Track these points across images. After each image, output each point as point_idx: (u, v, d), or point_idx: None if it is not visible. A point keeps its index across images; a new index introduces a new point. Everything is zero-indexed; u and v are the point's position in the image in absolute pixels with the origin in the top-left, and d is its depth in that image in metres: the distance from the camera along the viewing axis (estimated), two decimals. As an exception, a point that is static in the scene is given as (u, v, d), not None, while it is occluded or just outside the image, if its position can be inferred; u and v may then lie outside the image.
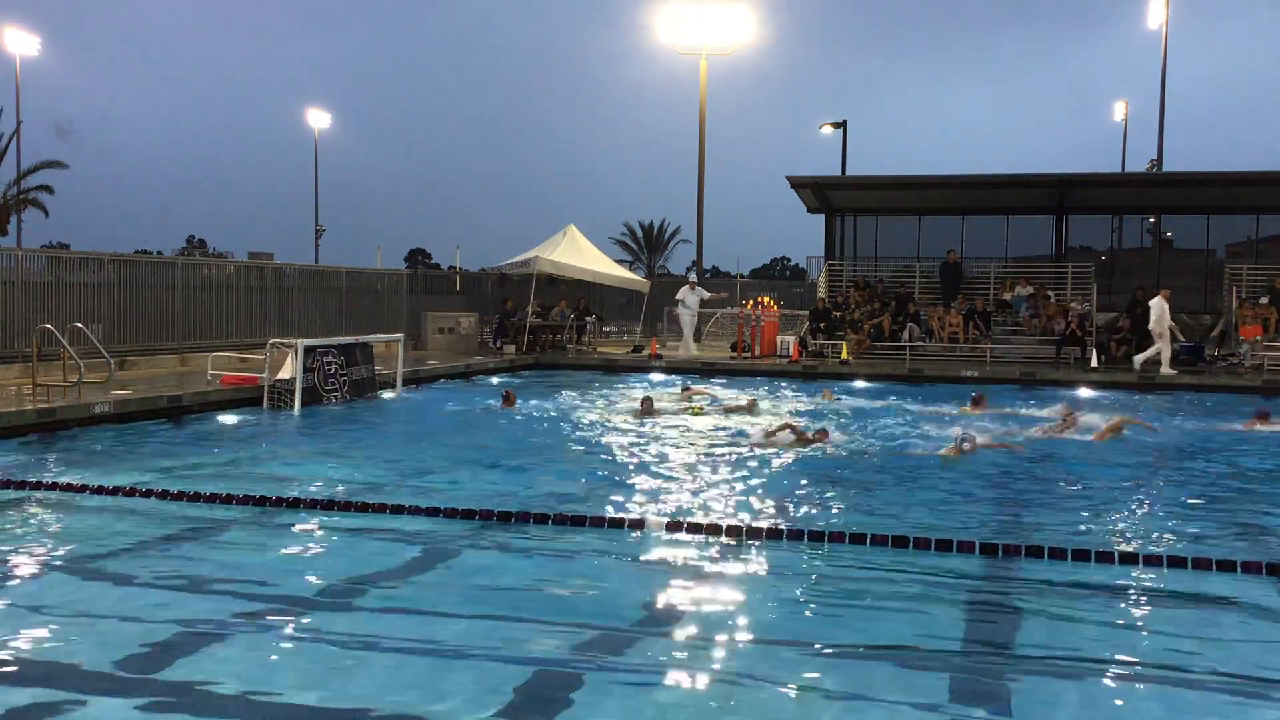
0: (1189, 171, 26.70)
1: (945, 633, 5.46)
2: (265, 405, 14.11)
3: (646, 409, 14.19)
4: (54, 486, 8.61)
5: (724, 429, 13.00)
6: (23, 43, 41.51)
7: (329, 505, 8.11)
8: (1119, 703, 4.58)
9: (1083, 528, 7.89)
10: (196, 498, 8.24)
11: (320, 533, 7.48)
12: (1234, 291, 22.73)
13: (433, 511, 7.78)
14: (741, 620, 5.72)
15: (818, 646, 5.20)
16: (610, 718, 4.37)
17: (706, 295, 26.16)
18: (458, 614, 5.67)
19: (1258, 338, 21.33)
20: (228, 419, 13.38)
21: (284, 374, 14.23)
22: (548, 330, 25.77)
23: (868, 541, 7.06)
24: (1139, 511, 8.64)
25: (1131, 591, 6.25)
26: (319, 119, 57.61)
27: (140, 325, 18.24)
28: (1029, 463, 10.82)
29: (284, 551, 7.03)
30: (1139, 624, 5.76)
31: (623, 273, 31.54)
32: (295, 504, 8.10)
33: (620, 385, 19.15)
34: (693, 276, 27.13)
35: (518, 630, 5.34)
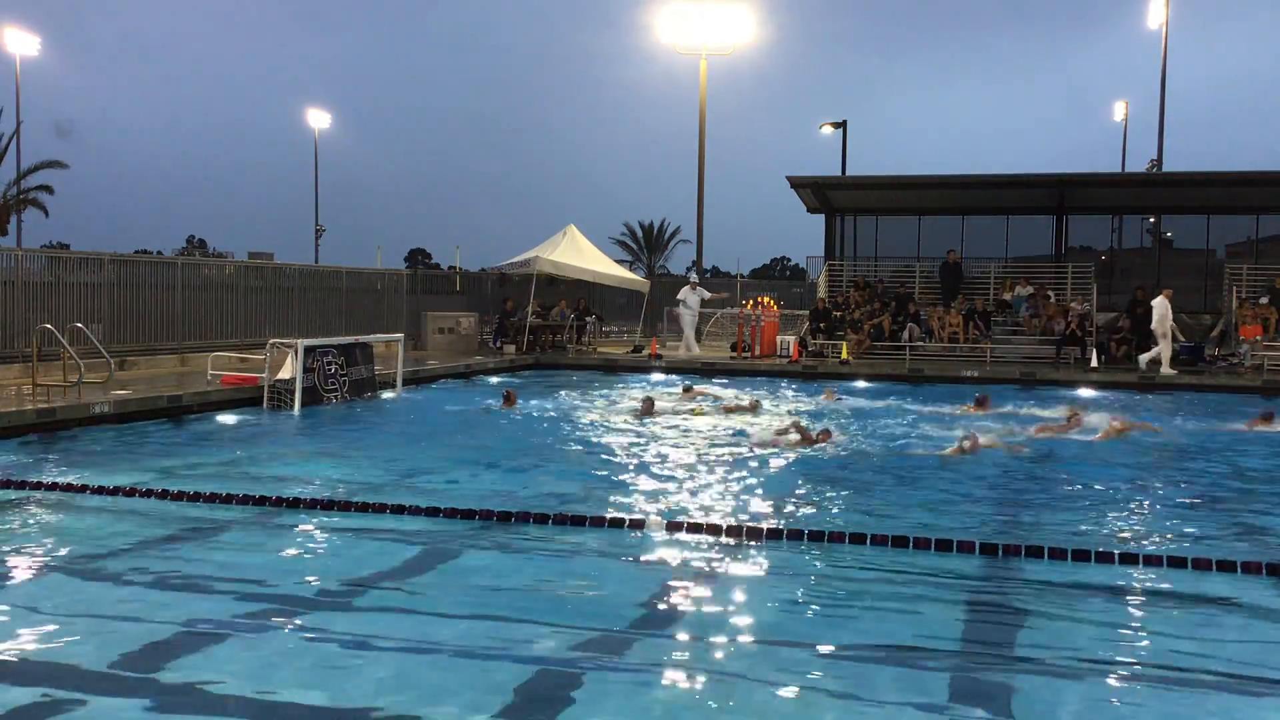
0: (1189, 171, 26.69)
1: (945, 633, 5.46)
2: (265, 405, 14.11)
3: (647, 409, 14.19)
4: (54, 486, 8.61)
5: (725, 429, 12.99)
6: (23, 43, 41.51)
7: (329, 505, 8.11)
8: (1119, 703, 4.58)
9: (1083, 528, 7.88)
10: (196, 498, 8.24)
11: (320, 533, 7.48)
12: (1234, 291, 22.73)
13: (433, 511, 7.78)
14: (741, 620, 5.72)
15: (818, 646, 5.20)
16: (610, 718, 4.37)
17: (707, 295, 26.16)
18: (458, 614, 5.67)
19: (1258, 338, 21.32)
20: (228, 419, 13.38)
21: (284, 374, 14.23)
22: (548, 330, 25.76)
23: (868, 541, 7.06)
24: (1140, 512, 8.64)
25: (1131, 592, 6.25)
26: (319, 119, 57.63)
27: (140, 325, 18.24)
28: (1030, 463, 10.82)
29: (284, 551, 7.03)
30: (1139, 624, 5.75)
31: (623, 273, 31.53)
32: (295, 504, 8.09)
33: (620, 385, 19.15)
34: (694, 277, 27.13)
35: (518, 630, 5.34)
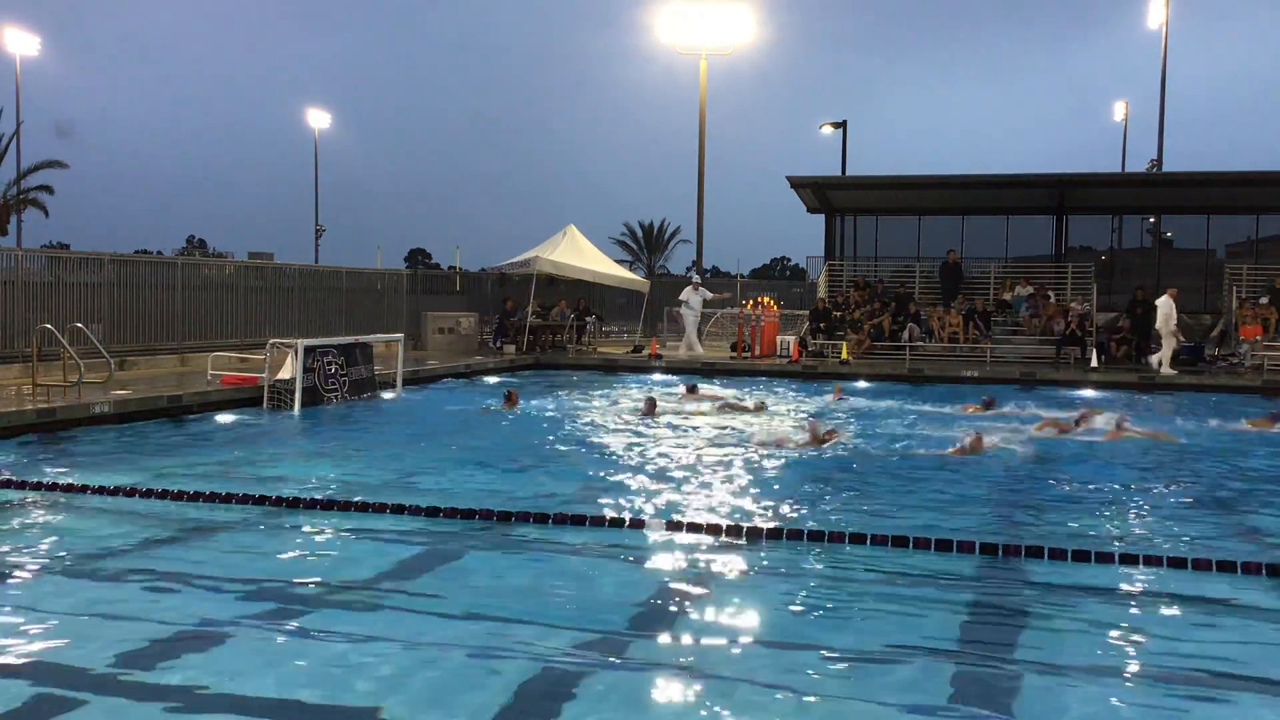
0: (1189, 171, 26.70)
1: (946, 634, 5.46)
2: (265, 405, 14.11)
3: (649, 409, 14.19)
4: (54, 486, 8.60)
5: (727, 430, 12.99)
6: (23, 43, 41.52)
7: (329, 505, 8.11)
8: (1119, 704, 4.57)
9: (1084, 528, 7.88)
10: (196, 497, 8.24)
11: (320, 533, 7.47)
12: (1234, 291, 22.74)
13: (433, 512, 7.78)
14: (742, 621, 5.72)
15: (817, 647, 5.20)
16: (610, 718, 4.37)
17: (709, 295, 26.15)
18: (458, 614, 5.66)
19: (1258, 338, 21.33)
20: (228, 419, 13.38)
21: (284, 374, 14.23)
22: (548, 330, 25.77)
23: (868, 541, 7.06)
24: (1140, 512, 8.63)
25: (1132, 592, 6.25)
26: (319, 119, 57.64)
27: (140, 325, 18.24)
28: (1032, 463, 10.82)
29: (284, 552, 7.02)
30: (1139, 625, 5.75)
31: (623, 273, 31.53)
32: (295, 504, 8.09)
33: (620, 385, 19.15)
34: (695, 277, 27.14)
35: (518, 630, 5.34)
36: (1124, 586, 6.31)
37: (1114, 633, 5.51)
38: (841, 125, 35.12)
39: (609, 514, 7.83)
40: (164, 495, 8.31)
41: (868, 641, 5.32)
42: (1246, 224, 26.72)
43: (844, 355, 22.12)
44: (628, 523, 7.58)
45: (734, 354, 24.19)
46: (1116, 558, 6.75)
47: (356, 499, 8.30)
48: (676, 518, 7.79)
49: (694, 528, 7.39)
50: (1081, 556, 6.75)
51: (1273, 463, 11.19)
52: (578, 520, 7.65)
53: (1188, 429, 13.34)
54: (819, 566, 6.79)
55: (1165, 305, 20.38)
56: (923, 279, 26.31)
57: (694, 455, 11.04)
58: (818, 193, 26.99)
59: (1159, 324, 20.48)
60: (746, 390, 17.55)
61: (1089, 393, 18.05)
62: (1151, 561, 6.70)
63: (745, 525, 7.46)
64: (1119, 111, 47.40)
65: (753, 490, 9.23)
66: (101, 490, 8.47)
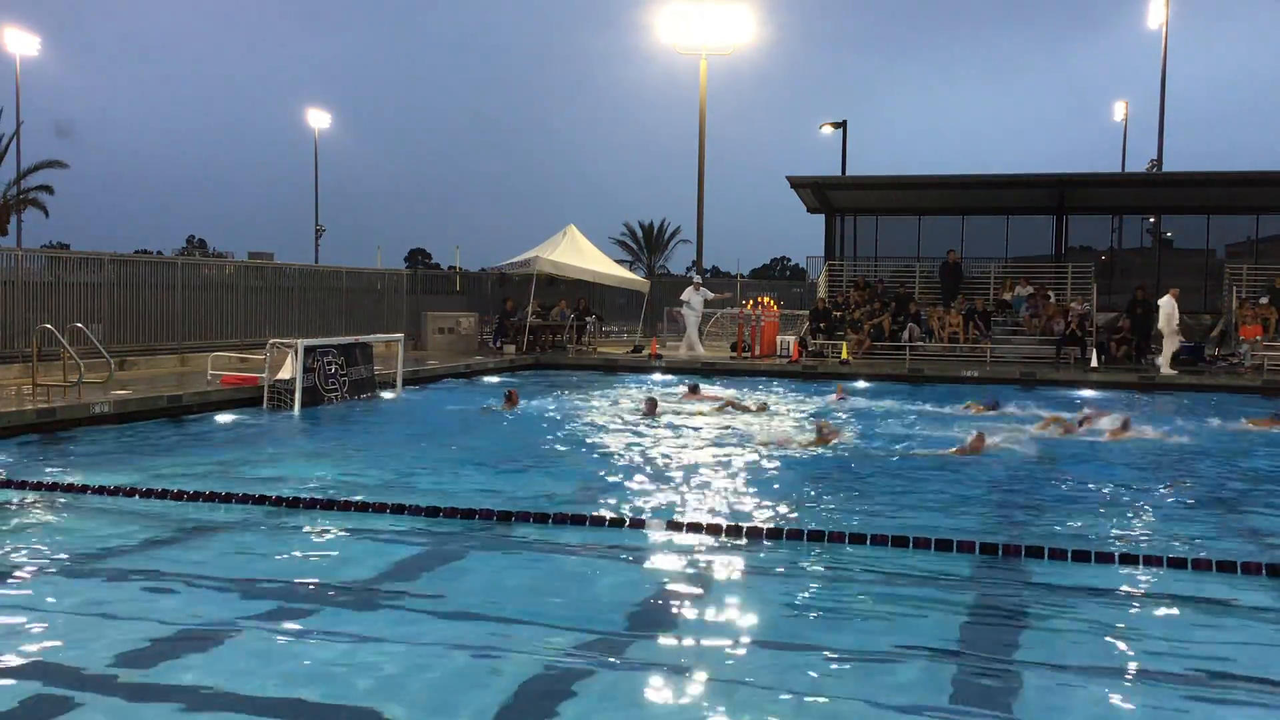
0: (1189, 171, 26.70)
1: (946, 634, 5.46)
2: (265, 405, 14.10)
3: (650, 409, 14.19)
4: (54, 486, 8.60)
5: (728, 430, 12.99)
6: (23, 43, 41.51)
7: (329, 505, 8.11)
8: (1119, 704, 4.58)
9: (1085, 528, 7.88)
10: (196, 497, 8.24)
11: (320, 533, 7.47)
12: (1234, 291, 22.74)
13: (433, 512, 7.78)
14: (741, 621, 5.72)
15: (817, 647, 5.20)
16: (610, 718, 4.37)
17: (711, 295, 26.14)
18: (458, 614, 5.67)
19: (1258, 338, 21.34)
20: (228, 419, 13.38)
21: (284, 374, 14.23)
22: (548, 330, 25.77)
23: (868, 541, 7.06)
24: (1141, 512, 8.63)
25: (1131, 592, 6.25)
26: (319, 119, 57.61)
27: (140, 325, 18.24)
28: (1032, 463, 10.82)
29: (284, 552, 7.02)
30: (1139, 625, 5.75)
31: (623, 273, 31.53)
32: (295, 504, 8.09)
33: (621, 385, 19.15)
34: (696, 277, 27.13)
35: (518, 630, 5.34)
36: (1124, 587, 6.31)
37: (1114, 633, 5.51)
38: (841, 125, 35.11)
39: (609, 514, 7.83)
40: (164, 495, 8.31)
41: (868, 642, 5.32)
42: (1246, 224, 26.72)
43: (844, 355, 22.12)
44: (628, 523, 7.58)
45: (734, 354, 24.19)
46: (1116, 558, 6.75)
47: (356, 499, 8.30)
48: (676, 518, 7.79)
49: (694, 528, 7.39)
50: (1081, 556, 6.75)
51: (1274, 463, 11.19)
52: (578, 520, 7.65)
53: (1188, 429, 13.34)
54: (819, 566, 6.79)
55: (1167, 305, 20.39)
56: (923, 279, 26.32)
57: (694, 455, 11.04)
58: (818, 193, 27.00)
59: (1161, 324, 20.48)
60: (746, 390, 17.54)
61: (1089, 393, 18.05)
62: (1151, 562, 6.70)
63: (745, 525, 7.45)
64: (1119, 111, 47.40)
65: (753, 490, 9.23)
66: (101, 490, 8.47)
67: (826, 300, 25.10)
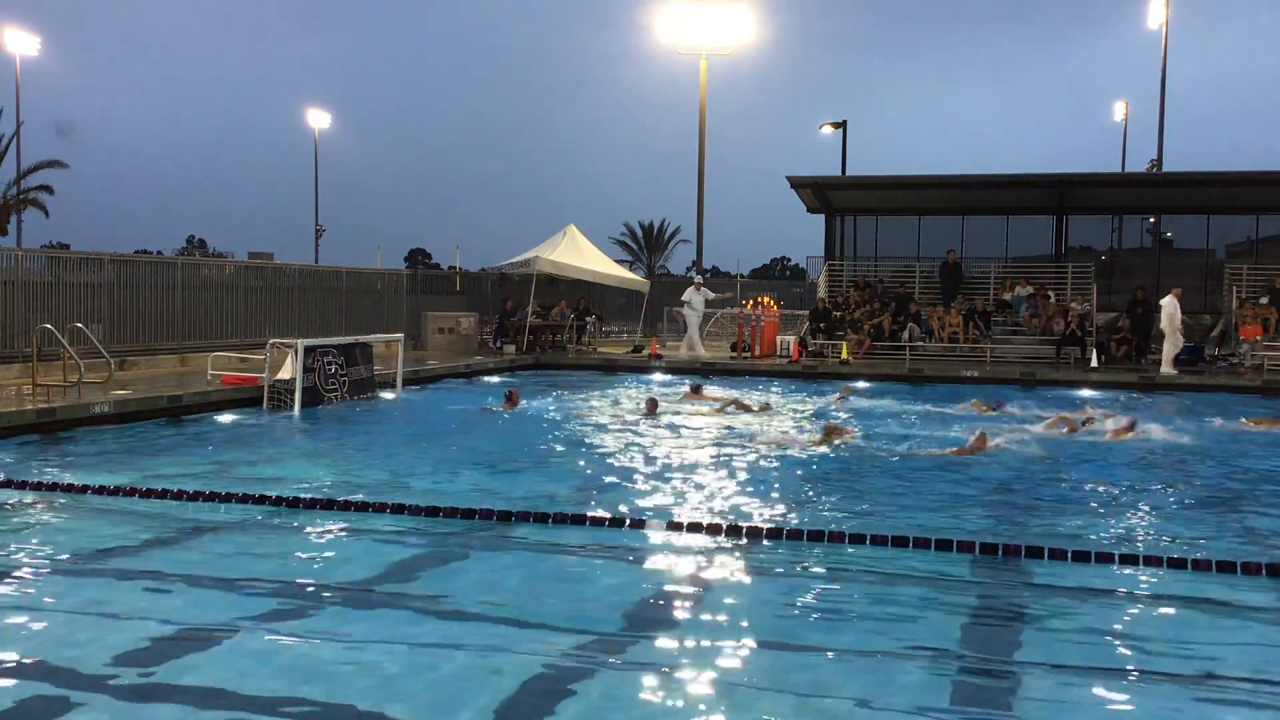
0: (1189, 171, 26.71)
1: (945, 634, 5.46)
2: (265, 405, 14.10)
3: (651, 409, 14.20)
4: (54, 486, 8.60)
5: (729, 430, 12.99)
6: (23, 43, 41.51)
7: (329, 505, 8.11)
8: (1119, 704, 4.58)
9: (1084, 528, 7.88)
10: (197, 497, 8.24)
11: (320, 533, 7.47)
12: (1234, 291, 22.74)
13: (433, 512, 7.78)
14: (741, 621, 5.71)
15: (817, 648, 5.20)
16: (610, 718, 4.37)
17: (712, 295, 26.12)
18: (458, 614, 5.67)
19: (1258, 338, 21.34)
20: (228, 419, 13.38)
21: (284, 374, 14.23)
22: (548, 330, 25.77)
23: (868, 541, 7.06)
24: (1141, 512, 8.63)
25: (1131, 593, 6.25)
26: (319, 119, 57.60)
27: (140, 325, 18.24)
28: (1033, 463, 10.81)
29: (284, 551, 7.02)
30: (1139, 625, 5.74)
31: (623, 273, 31.53)
32: (295, 504, 8.09)
33: (621, 385, 19.16)
34: (698, 277, 27.13)
35: (518, 630, 5.34)
36: (1124, 587, 6.31)
37: (1114, 633, 5.51)
38: (841, 125, 35.12)
39: (609, 514, 7.83)
40: (164, 495, 8.31)
41: (867, 642, 5.32)
42: (1246, 224, 26.73)
43: (844, 355, 22.12)
44: (628, 523, 7.58)
45: (734, 354, 24.20)
46: (1116, 558, 6.75)
47: (356, 499, 8.30)
48: (676, 518, 7.79)
49: (694, 528, 7.39)
50: (1081, 557, 6.75)
51: (1274, 463, 11.18)
52: (578, 520, 7.65)
53: (1189, 429, 13.34)
54: (819, 566, 6.79)
55: (1170, 305, 20.39)
56: (923, 279, 26.32)
57: (694, 455, 11.04)
58: (818, 193, 27.00)
59: (1163, 323, 20.47)
60: (746, 391, 17.53)
61: (1088, 393, 18.05)
62: (1151, 562, 6.70)
63: (745, 525, 7.46)
64: (1119, 111, 47.39)
65: (753, 490, 9.23)
66: (101, 490, 8.47)
67: (826, 300, 25.10)
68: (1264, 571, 6.46)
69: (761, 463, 10.61)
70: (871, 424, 13.76)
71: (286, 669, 4.80)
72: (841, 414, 14.92)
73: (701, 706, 4.48)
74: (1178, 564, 6.65)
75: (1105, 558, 6.75)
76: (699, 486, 9.35)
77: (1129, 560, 6.72)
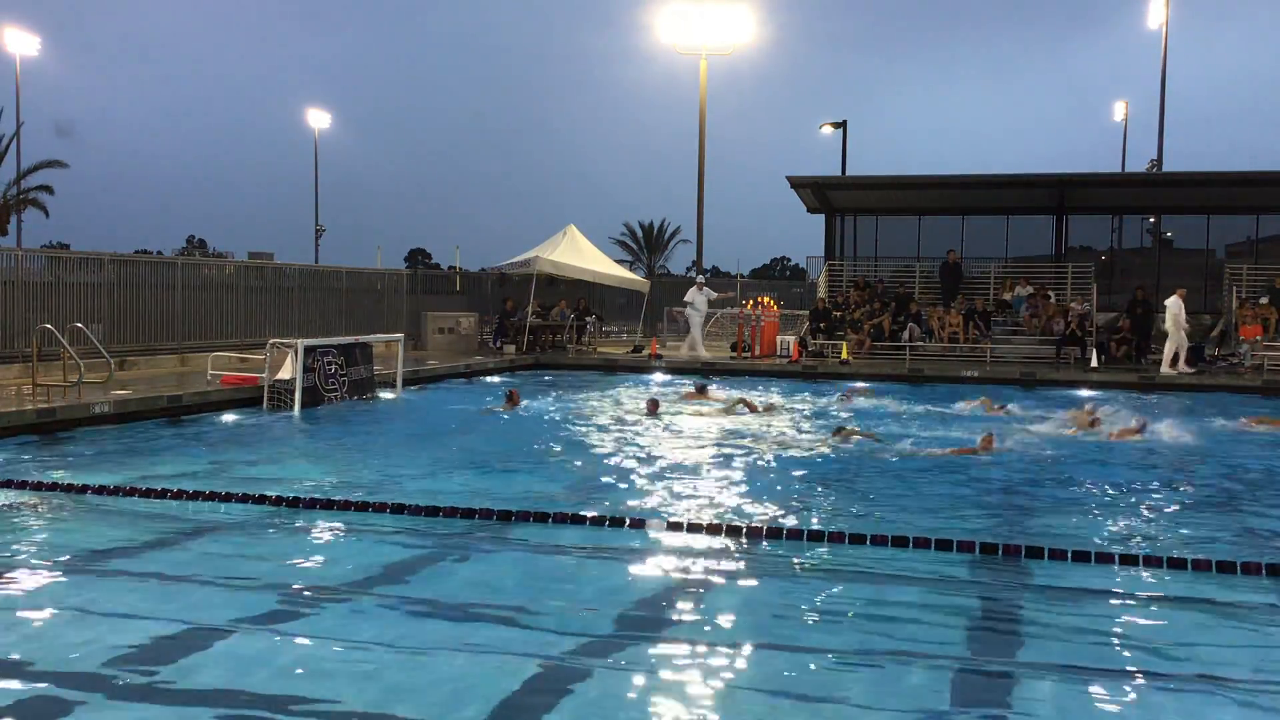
0: (1189, 171, 26.70)
1: (945, 634, 5.46)
2: (265, 405, 14.10)
3: (652, 409, 14.19)
4: (54, 487, 8.60)
5: (730, 430, 12.99)
6: (23, 43, 41.50)
7: (328, 505, 8.11)
8: (1119, 704, 4.58)
9: (1084, 528, 7.88)
10: (196, 497, 8.24)
11: (320, 533, 7.47)
12: (1234, 291, 22.74)
13: (433, 511, 7.78)
14: (741, 621, 5.71)
15: (817, 648, 5.20)
16: (609, 718, 4.37)
17: (714, 295, 26.11)
18: (458, 614, 5.66)
19: (1258, 338, 21.34)
20: (228, 419, 13.38)
21: (284, 374, 14.23)
22: (548, 330, 25.77)
23: (868, 541, 7.06)
24: (1142, 512, 8.63)
25: (1131, 593, 6.25)
26: (319, 119, 57.58)
27: (140, 325, 18.24)
28: (1034, 463, 10.81)
29: (283, 552, 7.02)
30: (1139, 626, 5.74)
31: (623, 273, 31.53)
32: (295, 504, 8.09)
33: (621, 385, 19.16)
34: (700, 277, 27.12)
35: (518, 630, 5.34)
36: (1124, 587, 6.31)
37: (1114, 634, 5.51)
38: (841, 125, 35.12)
39: (609, 514, 7.83)
40: (164, 495, 8.31)
41: (867, 642, 5.33)
42: (1246, 224, 26.73)
43: (844, 355, 22.12)
44: (628, 523, 7.58)
45: (734, 354, 24.19)
46: (1116, 558, 6.75)
47: (356, 499, 8.30)
48: (676, 518, 7.79)
49: (694, 528, 7.39)
50: (1081, 557, 6.74)
51: (1276, 464, 11.18)
52: (578, 520, 7.66)
53: (1190, 429, 13.35)
54: (819, 566, 6.79)
55: (1174, 305, 20.38)
56: (923, 279, 26.32)
57: (695, 455, 11.04)
58: (818, 193, 27.00)
59: (1168, 324, 20.46)
60: (746, 390, 17.52)
61: (1088, 392, 18.04)
62: (1151, 562, 6.70)
63: (745, 525, 7.46)
64: (1119, 111, 47.39)
65: (753, 490, 9.23)
66: (101, 490, 8.47)
67: (826, 300, 25.10)
68: (1264, 571, 6.46)
69: (762, 463, 10.61)
70: (872, 424, 13.75)
71: (286, 669, 4.80)
72: (843, 414, 14.92)
73: (701, 707, 4.48)
74: (1178, 564, 6.65)
75: (1105, 558, 6.75)
76: (699, 486, 9.35)
77: (1129, 560, 6.72)
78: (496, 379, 20.17)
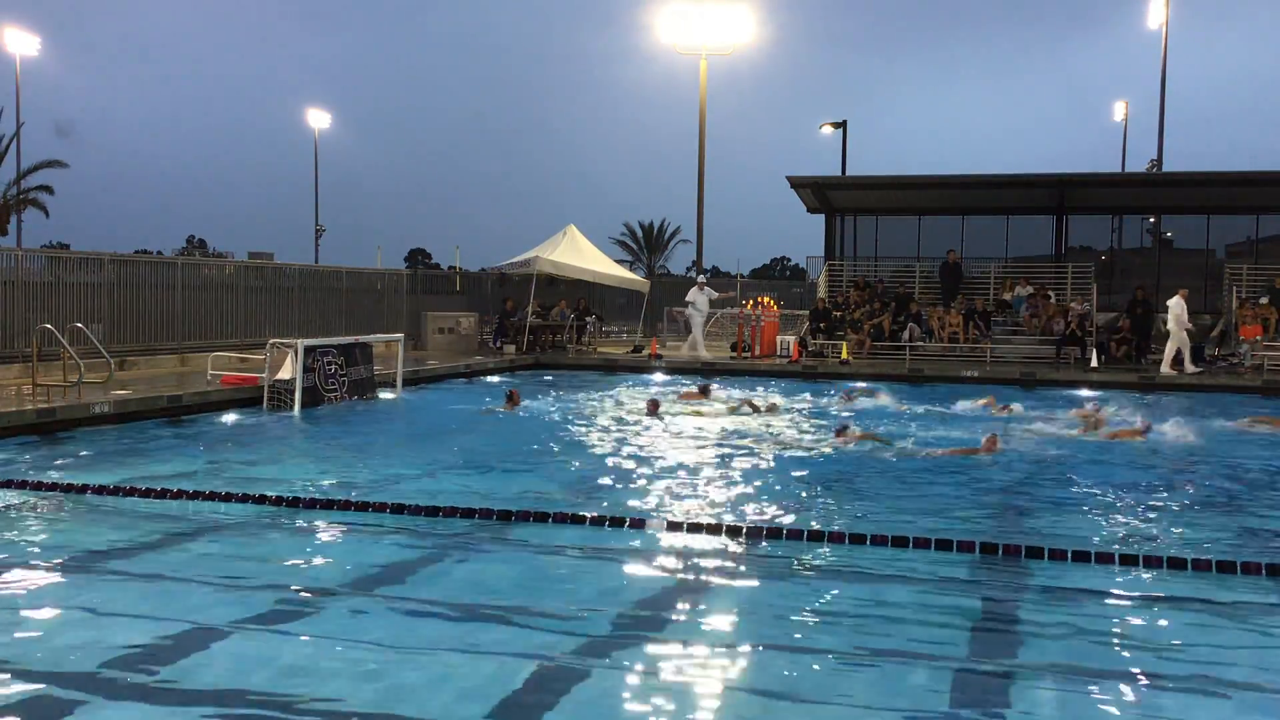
0: (1189, 171, 26.71)
1: (945, 634, 5.46)
2: (265, 405, 14.10)
3: (652, 410, 14.19)
4: (54, 486, 8.60)
5: (731, 430, 12.98)
6: (23, 43, 41.50)
7: (328, 505, 8.11)
8: (1119, 705, 4.57)
9: (1084, 528, 7.88)
10: (196, 497, 8.24)
11: (320, 533, 7.48)
12: (1234, 291, 22.74)
13: (433, 511, 7.78)
14: (741, 621, 5.72)
15: (817, 648, 5.20)
16: (608, 718, 4.37)
17: (715, 295, 26.10)
18: (458, 614, 5.66)
19: (1258, 338, 21.34)
20: (228, 419, 13.38)
21: (284, 374, 14.23)
22: (548, 330, 25.77)
23: (868, 541, 7.06)
24: (1142, 512, 8.63)
25: (1132, 593, 6.24)
26: (319, 119, 57.59)
27: (140, 325, 18.24)
28: (1038, 463, 10.81)
29: (283, 552, 7.02)
30: (1139, 626, 5.74)
31: (623, 273, 31.53)
32: (295, 504, 8.09)
33: (621, 385, 19.16)
34: (701, 277, 27.12)
35: (518, 630, 5.34)
36: (1124, 588, 6.31)
37: (1114, 634, 5.51)
38: (841, 125, 35.12)
39: (609, 514, 7.83)
40: (164, 495, 8.31)
41: (867, 642, 5.32)
42: (1246, 224, 26.73)
43: (844, 355, 22.12)
44: (628, 523, 7.58)
45: (734, 354, 24.19)
46: (1116, 558, 6.75)
47: (356, 499, 8.30)
48: (677, 518, 7.79)
49: (694, 528, 7.40)
50: (1082, 557, 6.74)
51: (1276, 464, 11.18)
52: (578, 520, 7.65)
53: (1191, 429, 13.35)
54: (819, 566, 6.79)
55: (1176, 306, 20.37)
56: (923, 279, 26.32)
57: (695, 455, 11.04)
58: (818, 193, 27.00)
59: (1170, 324, 20.45)
60: (746, 391, 17.52)
61: (1088, 393, 18.04)
62: (1151, 562, 6.69)
63: (745, 525, 7.46)
64: (1119, 111, 47.38)
65: (753, 490, 9.23)
66: (101, 490, 8.47)
67: (826, 300, 25.10)
68: (1264, 571, 6.46)
69: (762, 463, 10.61)
70: (873, 424, 13.74)
71: (286, 669, 4.80)
72: (844, 413, 14.92)
73: (701, 707, 4.48)
74: (1178, 564, 6.65)
75: (1105, 558, 6.75)
76: (699, 486, 9.36)
77: (1129, 560, 6.72)
78: (496, 379, 20.16)
